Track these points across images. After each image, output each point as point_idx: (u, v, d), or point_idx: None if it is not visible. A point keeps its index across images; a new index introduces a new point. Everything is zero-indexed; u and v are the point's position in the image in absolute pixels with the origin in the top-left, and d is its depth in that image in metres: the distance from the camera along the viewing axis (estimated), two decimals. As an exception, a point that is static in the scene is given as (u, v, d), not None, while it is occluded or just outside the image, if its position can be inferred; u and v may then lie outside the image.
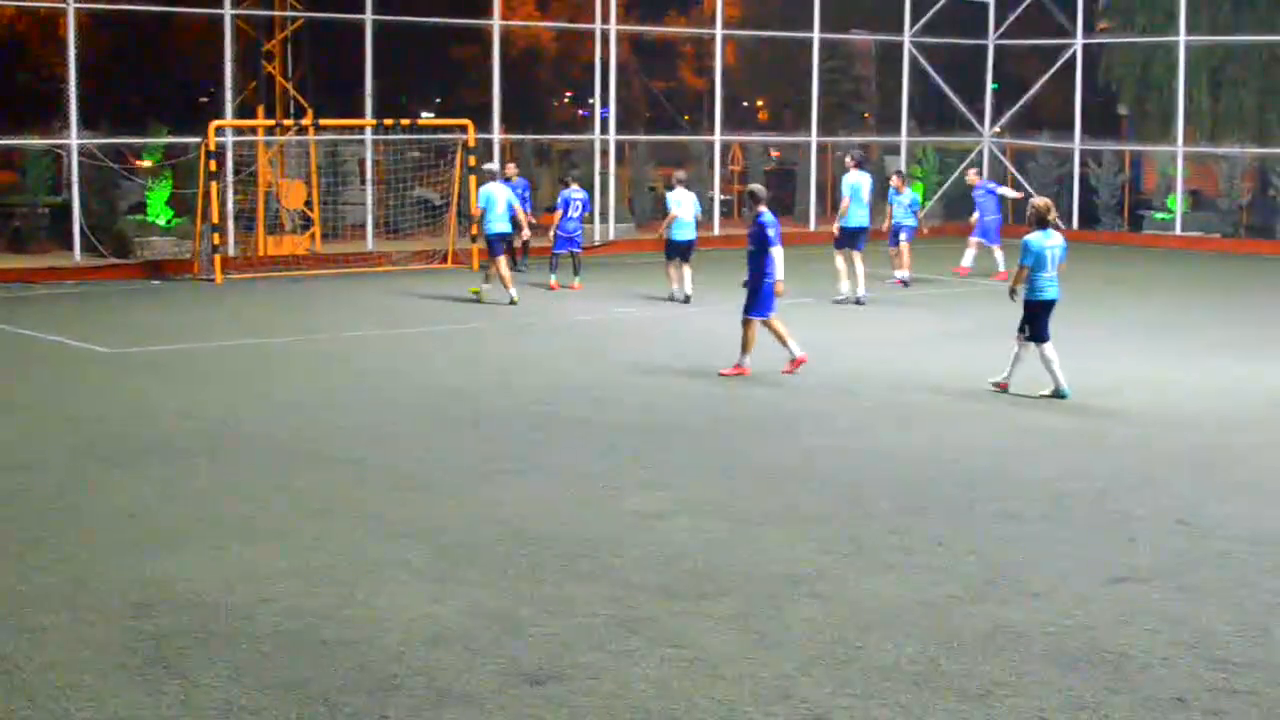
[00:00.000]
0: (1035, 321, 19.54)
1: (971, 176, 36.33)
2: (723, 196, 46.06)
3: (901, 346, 24.17)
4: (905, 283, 31.98)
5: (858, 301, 29.07)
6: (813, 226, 44.64)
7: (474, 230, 34.26)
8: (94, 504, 14.04)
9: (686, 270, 29.45)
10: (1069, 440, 17.22)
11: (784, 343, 21.09)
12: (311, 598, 11.07)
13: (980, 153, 48.23)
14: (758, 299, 20.92)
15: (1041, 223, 19.55)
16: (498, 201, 29.19)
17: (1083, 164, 46.83)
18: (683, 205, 29.07)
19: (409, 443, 16.78)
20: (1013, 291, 19.97)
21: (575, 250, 31.89)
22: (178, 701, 9.19)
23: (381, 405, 19.06)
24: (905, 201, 32.26)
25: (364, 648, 10.06)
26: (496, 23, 40.43)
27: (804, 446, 16.76)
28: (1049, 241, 19.50)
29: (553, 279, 31.67)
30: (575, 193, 31.99)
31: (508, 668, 9.73)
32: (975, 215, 34.62)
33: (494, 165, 32.17)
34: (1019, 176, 47.52)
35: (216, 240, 33.22)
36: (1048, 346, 19.44)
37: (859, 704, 9.22)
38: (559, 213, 31.90)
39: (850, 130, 51.42)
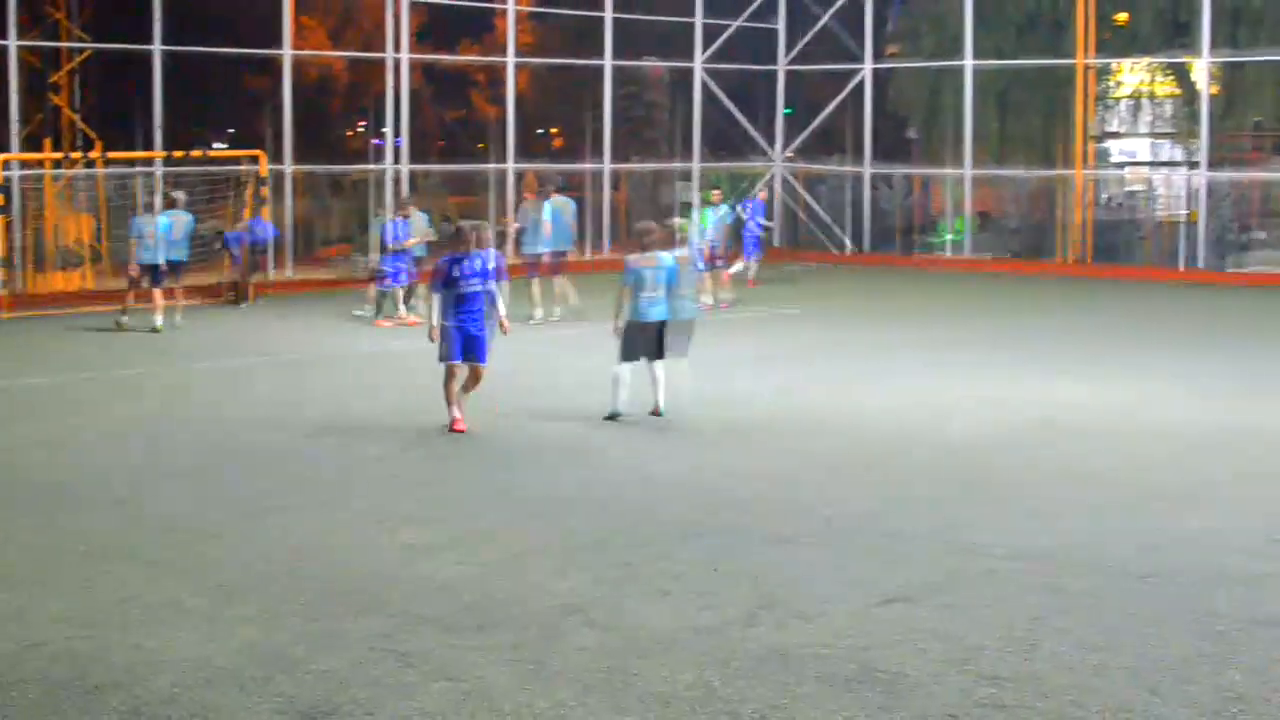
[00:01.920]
0: (629, 340, 19.89)
1: (716, 196, 36.33)
2: (516, 225, 45.94)
3: (680, 374, 24.21)
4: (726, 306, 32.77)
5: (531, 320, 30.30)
6: (606, 253, 44.72)
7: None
8: None
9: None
10: (838, 463, 17.44)
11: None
12: (80, 641, 10.91)
13: (772, 176, 48.65)
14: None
15: (643, 246, 19.91)
16: (174, 228, 30.25)
17: (873, 187, 47.38)
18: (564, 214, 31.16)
19: (181, 482, 16.57)
20: (616, 327, 20.17)
21: (394, 285, 31.26)
22: (-61, 751, 9.05)
23: (150, 443, 18.83)
24: (721, 217, 33.03)
25: (136, 690, 9.93)
26: (288, 52, 40.16)
27: (575, 476, 16.82)
28: (645, 263, 19.87)
29: (379, 317, 31.19)
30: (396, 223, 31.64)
31: (283, 706, 9.66)
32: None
33: (180, 194, 31.75)
34: (810, 200, 48.00)
35: (3, 276, 32.64)
36: (658, 365, 19.84)
37: (633, 732, 9.28)
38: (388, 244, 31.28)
39: (643, 157, 51.60)
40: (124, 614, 11.61)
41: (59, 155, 35.91)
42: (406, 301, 31.13)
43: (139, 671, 10.29)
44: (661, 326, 19.93)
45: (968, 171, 45.10)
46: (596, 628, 11.20)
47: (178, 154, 37.19)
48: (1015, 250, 45.10)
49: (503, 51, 45.50)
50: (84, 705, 9.71)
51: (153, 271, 29.86)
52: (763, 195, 36.20)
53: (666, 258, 20.00)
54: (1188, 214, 45.74)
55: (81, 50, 37.50)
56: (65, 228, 36.67)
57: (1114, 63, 46.41)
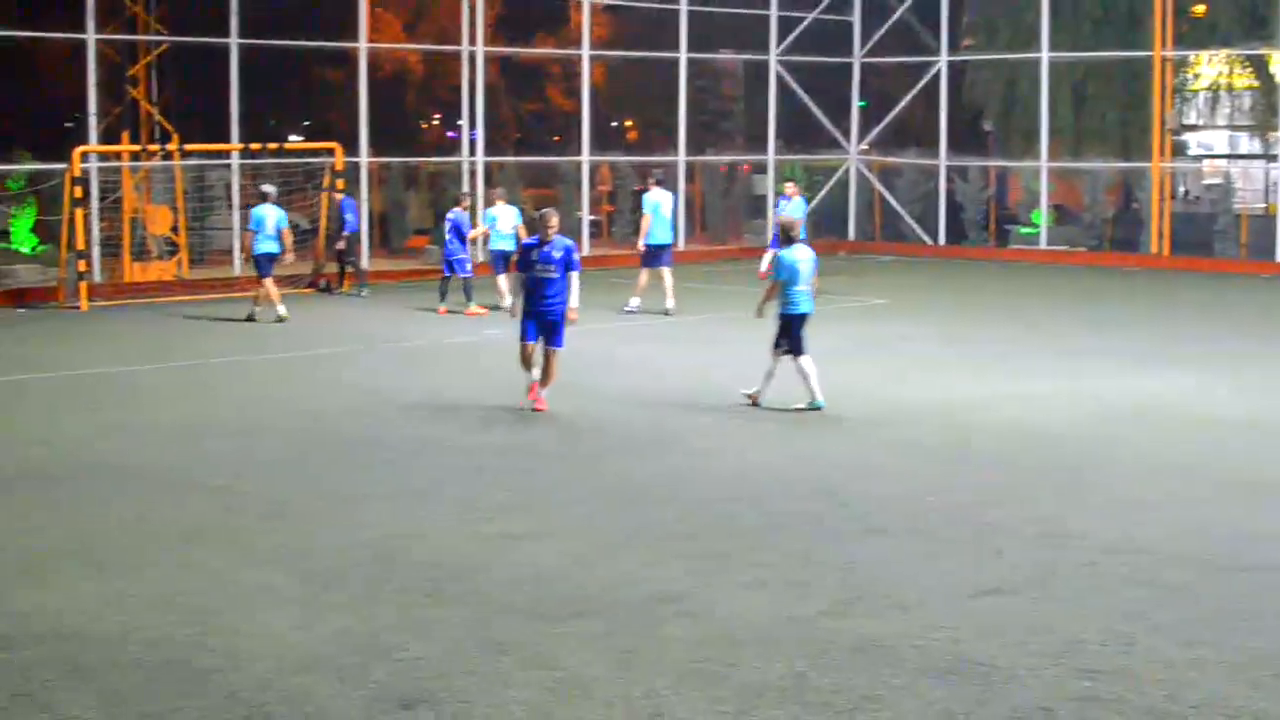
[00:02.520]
0: (790, 334, 19.72)
1: (790, 188, 36.06)
2: (591, 217, 46.05)
3: (748, 364, 24.18)
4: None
5: (665, 312, 30.12)
6: (683, 245, 44.72)
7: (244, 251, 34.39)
8: (-44, 536, 13.87)
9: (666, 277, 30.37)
10: (934, 455, 17.35)
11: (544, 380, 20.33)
12: (180, 626, 10.98)
13: (848, 170, 48.55)
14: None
15: (788, 240, 19.87)
16: (268, 222, 29.80)
17: (949, 180, 47.21)
18: (663, 207, 30.58)
19: (274, 468, 16.68)
20: (761, 310, 20.24)
21: (463, 274, 31.39)
22: (43, 734, 9.11)
23: (247, 431, 18.92)
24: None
25: (232, 676, 9.98)
26: (363, 45, 40.27)
27: (669, 466, 16.79)
28: (798, 255, 19.70)
29: (441, 305, 31.38)
30: (465, 215, 31.78)
31: (378, 693, 9.69)
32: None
33: (269, 188, 31.76)
34: (885, 193, 47.89)
35: (82, 267, 32.91)
36: (805, 359, 19.69)
37: (729, 721, 9.26)
38: (448, 235, 31.49)
39: (718, 150, 51.58)
40: (222, 600, 11.68)
41: (137, 148, 36.07)
42: (468, 294, 31.31)
43: (236, 657, 10.34)
44: (804, 320, 19.96)
45: (1044, 164, 44.86)
46: (691, 617, 11.19)
47: (254, 147, 37.34)
48: (1092, 243, 44.81)
49: (578, 44, 45.53)
50: (182, 690, 9.77)
51: (267, 261, 29.93)
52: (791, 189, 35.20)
53: (809, 252, 20.05)
54: (1265, 206, 45.46)
55: (159, 43, 37.63)
56: (154, 218, 36.85)
57: (1192, 55, 46.08)
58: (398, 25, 57.28)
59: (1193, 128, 51.06)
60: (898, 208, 47.89)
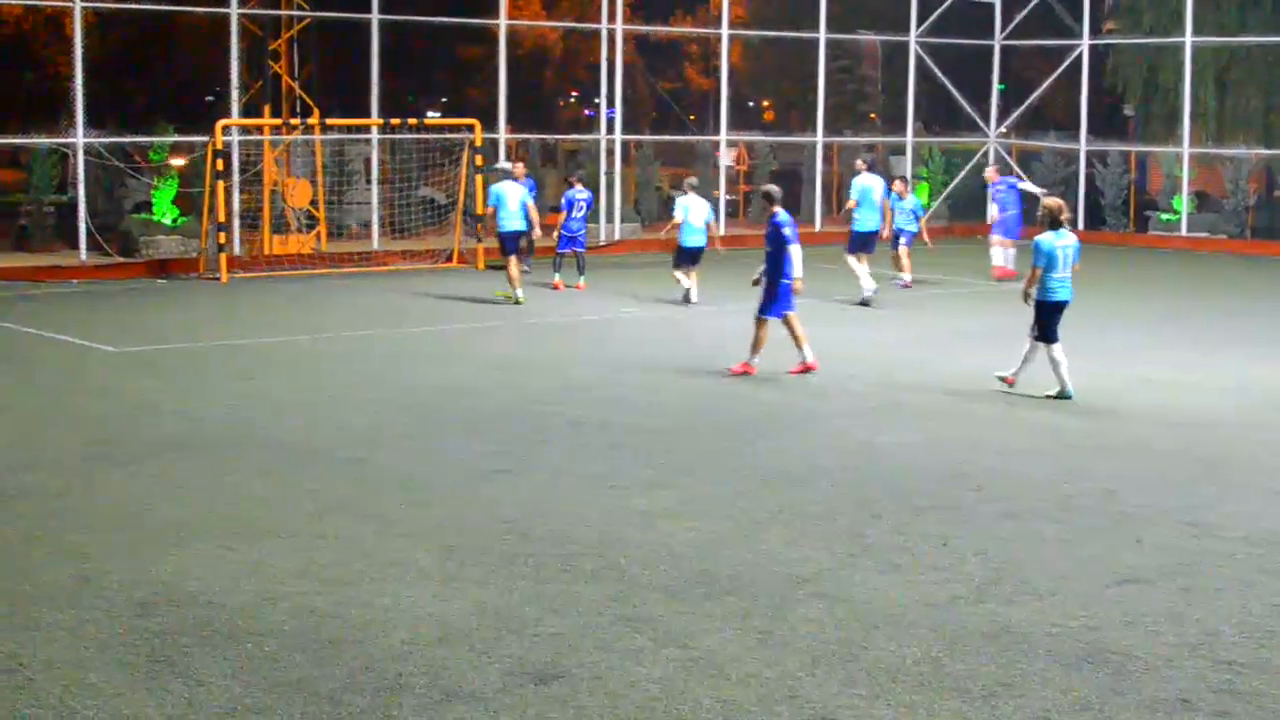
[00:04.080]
0: (1045, 322, 19.50)
1: (990, 173, 36.10)
2: (728, 197, 46.02)
3: (907, 347, 24.16)
4: (907, 285, 31.84)
5: (863, 302, 29.07)
6: (818, 227, 44.63)
7: (480, 230, 34.48)
8: (98, 503, 14.04)
9: (693, 275, 29.34)
10: (1074, 440, 17.20)
11: (798, 345, 21.08)
12: (316, 596, 11.08)
13: (986, 153, 48.23)
14: (773, 299, 20.93)
15: (1054, 223, 19.49)
16: (509, 199, 29.16)
17: (1088, 164, 46.79)
18: (692, 210, 28.93)
19: (413, 442, 16.78)
20: (1026, 294, 19.83)
21: (579, 250, 31.83)
22: (182, 700, 9.19)
23: (385, 405, 19.05)
24: (908, 206, 32.08)
25: (369, 647, 10.06)
26: (503, 22, 40.43)
27: (808, 446, 16.74)
28: (1060, 242, 19.43)
29: (556, 278, 31.68)
30: (579, 193, 31.88)
31: (513, 667, 9.73)
32: (993, 212, 34.39)
33: (506, 164, 32.07)
34: (1022, 176, 47.52)
35: (222, 239, 33.26)
36: (1056, 348, 19.39)
37: (864, 704, 9.21)
38: (563, 213, 31.77)
39: (856, 131, 51.41)
40: (358, 571, 11.77)
41: (278, 122, 36.38)
42: (580, 269, 31.55)
43: (372, 628, 10.42)
44: (1062, 307, 19.69)
45: (1185, 150, 44.38)
46: (826, 599, 11.16)
47: (394, 122, 37.58)
48: (1234, 230, 44.28)
49: (716, 24, 45.48)
50: (318, 659, 9.85)
51: (514, 239, 29.42)
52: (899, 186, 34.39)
53: (1072, 238, 19.72)
54: None
55: (301, 18, 37.90)
56: (294, 192, 37.17)
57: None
58: (537, 3, 57.56)
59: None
60: (1036, 192, 47.46)
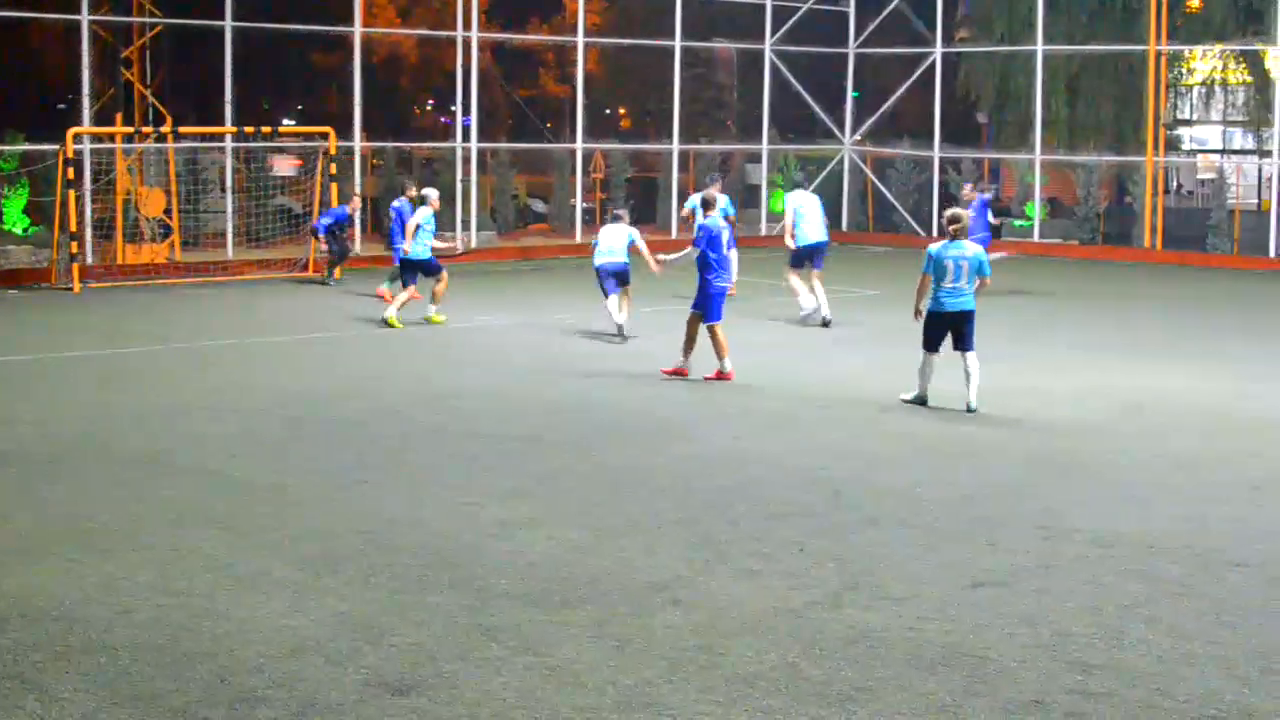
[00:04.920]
0: (929, 332, 19.53)
1: (967, 191, 35.74)
2: (585, 205, 46.02)
3: (782, 352, 24.19)
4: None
5: (807, 319, 28.09)
6: (674, 234, 44.69)
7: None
8: (-53, 517, 13.85)
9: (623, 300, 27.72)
10: (931, 446, 17.33)
11: (720, 354, 21.10)
12: (170, 610, 10.97)
13: (841, 160, 48.55)
14: (708, 304, 20.94)
15: (945, 233, 19.57)
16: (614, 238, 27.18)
17: (942, 172, 47.20)
18: (603, 238, 27.37)
19: (267, 452, 16.67)
20: (917, 311, 19.93)
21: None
22: (35, 716, 9.07)
23: (242, 415, 18.90)
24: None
25: (224, 659, 9.98)
26: (358, 30, 40.24)
27: (667, 454, 16.77)
28: (952, 252, 19.37)
29: (382, 288, 31.04)
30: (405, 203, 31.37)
31: (370, 678, 9.68)
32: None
33: (417, 191, 31.12)
34: (879, 184, 47.89)
35: (74, 249, 32.90)
36: (934, 358, 19.49)
37: (721, 710, 9.23)
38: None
39: (712, 139, 51.58)
40: (212, 583, 11.67)
41: (130, 130, 36.02)
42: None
43: (227, 640, 10.33)
44: (964, 317, 19.58)
45: (1038, 157, 44.88)
46: (683, 606, 11.18)
47: (248, 130, 37.31)
48: (1086, 236, 44.81)
49: (573, 31, 45.49)
50: (172, 672, 9.76)
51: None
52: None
53: (971, 247, 19.66)
54: (1259, 202, 45.45)
55: (153, 25, 37.55)
56: (147, 201, 36.80)
57: (1186, 50, 46.08)
58: (392, 10, 57.33)
59: (1186, 122, 51.08)
60: (891, 199, 47.89)
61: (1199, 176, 47.45)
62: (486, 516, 13.85)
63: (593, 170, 48.00)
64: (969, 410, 19.21)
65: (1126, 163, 44.80)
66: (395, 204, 30.51)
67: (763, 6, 47.34)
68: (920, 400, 19.54)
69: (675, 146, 46.20)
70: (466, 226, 41.76)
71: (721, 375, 21.14)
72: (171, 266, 35.75)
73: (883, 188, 48.08)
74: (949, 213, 19.98)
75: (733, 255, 20.97)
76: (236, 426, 18.11)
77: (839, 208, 48.39)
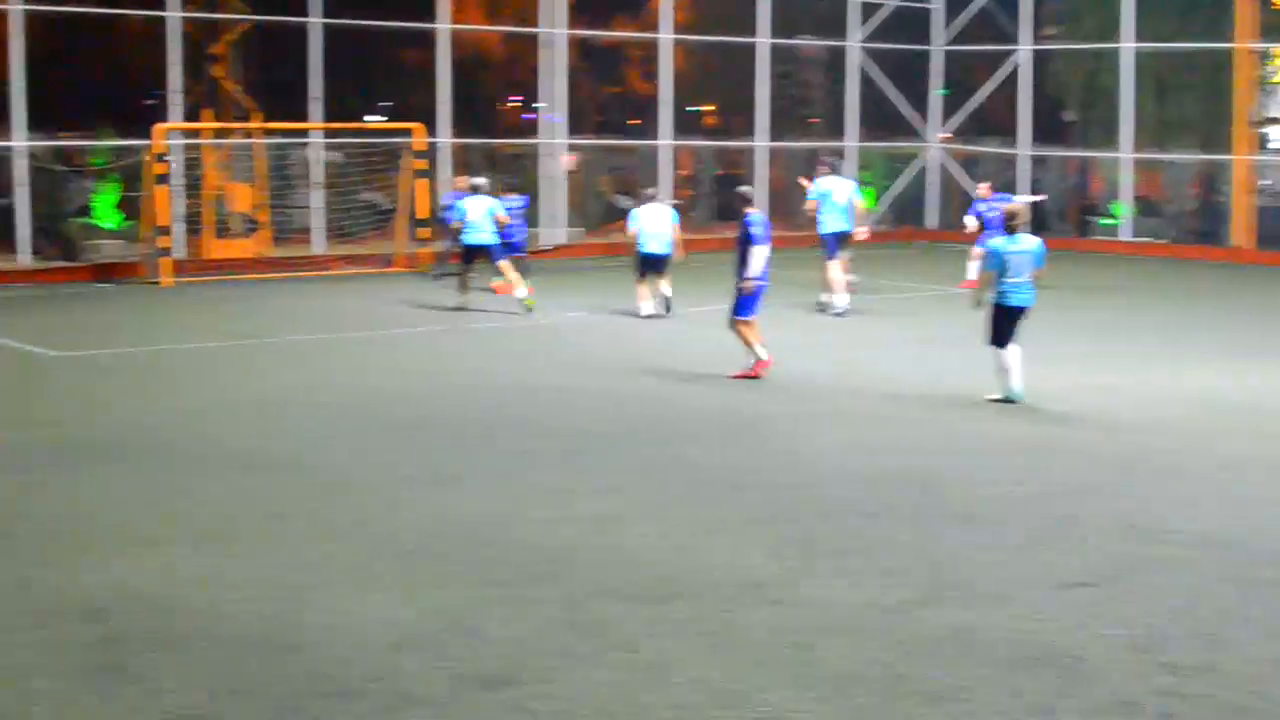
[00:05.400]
0: (997, 326, 19.52)
1: (983, 189, 35.72)
2: (672, 202, 45.98)
3: (858, 351, 24.18)
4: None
5: (837, 314, 28.71)
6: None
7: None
8: (44, 508, 13.99)
9: (664, 282, 28.84)
10: (1023, 445, 17.26)
11: (750, 347, 21.10)
12: (269, 602, 11.06)
13: (927, 158, 48.35)
14: (743, 300, 20.97)
15: (1009, 229, 19.55)
16: (471, 212, 28.92)
17: (1030, 169, 46.96)
18: (645, 218, 28.42)
19: (362, 446, 16.75)
20: (977, 301, 19.89)
21: (519, 255, 31.42)
22: (132, 706, 9.17)
23: (334, 408, 19.01)
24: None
25: (321, 652, 10.05)
26: (444, 26, 40.37)
27: (759, 451, 16.77)
28: (1014, 247, 19.43)
29: (495, 281, 31.38)
30: (512, 200, 31.64)
31: (464, 672, 9.73)
32: (971, 224, 33.90)
33: (481, 180, 31.65)
34: (965, 181, 47.67)
35: (164, 243, 33.13)
36: (1006, 353, 19.44)
37: (815, 708, 9.24)
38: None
39: (798, 136, 51.37)
40: (311, 577, 11.76)
41: (218, 125, 36.27)
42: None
43: (323, 634, 10.40)
44: (1026, 311, 19.65)
45: (1126, 155, 44.58)
46: (777, 604, 11.19)
47: (336, 126, 37.47)
48: (1176, 235, 44.49)
49: (658, 28, 45.46)
50: (268, 666, 9.84)
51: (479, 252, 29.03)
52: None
53: (1033, 241, 19.73)
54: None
55: (241, 21, 37.79)
56: (235, 196, 37.08)
57: (1275, 47, 45.67)
58: (479, 7, 57.35)
59: (1276, 121, 50.61)
60: (1035, 200, 47.66)
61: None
62: (581, 512, 13.89)
63: (679, 167, 47.99)
64: (1014, 401, 19.36)
65: (1215, 161, 44.47)
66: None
67: (849, 4, 47.21)
68: (1008, 398, 19.46)
69: (761, 144, 46.12)
70: (553, 223, 41.82)
71: (749, 373, 21.16)
72: (259, 261, 35.98)
73: (969, 186, 47.84)
74: (1006, 208, 20.10)
75: (759, 251, 20.78)
76: (330, 421, 18.21)
77: (923, 205, 48.22)
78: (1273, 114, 48.90)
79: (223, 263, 35.25)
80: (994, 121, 50.22)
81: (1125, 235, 44.53)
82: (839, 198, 29.46)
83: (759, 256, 20.83)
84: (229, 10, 37.54)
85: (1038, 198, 35.35)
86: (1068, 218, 47.12)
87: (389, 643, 10.23)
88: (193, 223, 36.39)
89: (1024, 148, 46.79)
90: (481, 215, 28.79)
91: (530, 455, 16.32)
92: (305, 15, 38.03)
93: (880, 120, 49.93)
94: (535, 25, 43.03)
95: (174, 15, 35.88)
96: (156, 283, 32.67)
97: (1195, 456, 16.81)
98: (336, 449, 16.61)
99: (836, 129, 49.24)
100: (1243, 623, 10.91)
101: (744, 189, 22.02)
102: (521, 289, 28.47)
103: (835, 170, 30.67)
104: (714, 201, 47.94)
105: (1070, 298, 32.17)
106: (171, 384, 20.84)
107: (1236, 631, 10.71)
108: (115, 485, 14.82)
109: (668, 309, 28.23)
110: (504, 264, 28.75)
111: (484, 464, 15.87)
